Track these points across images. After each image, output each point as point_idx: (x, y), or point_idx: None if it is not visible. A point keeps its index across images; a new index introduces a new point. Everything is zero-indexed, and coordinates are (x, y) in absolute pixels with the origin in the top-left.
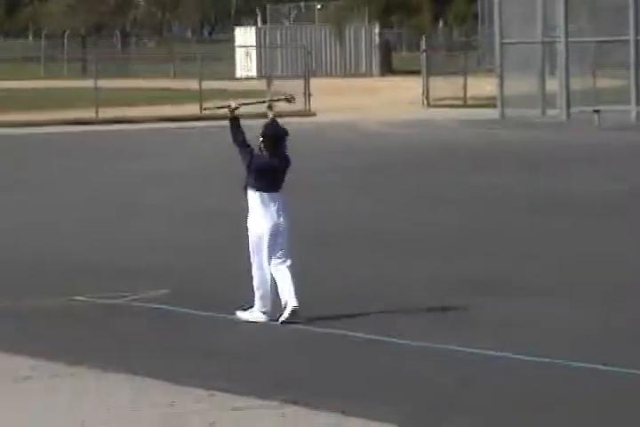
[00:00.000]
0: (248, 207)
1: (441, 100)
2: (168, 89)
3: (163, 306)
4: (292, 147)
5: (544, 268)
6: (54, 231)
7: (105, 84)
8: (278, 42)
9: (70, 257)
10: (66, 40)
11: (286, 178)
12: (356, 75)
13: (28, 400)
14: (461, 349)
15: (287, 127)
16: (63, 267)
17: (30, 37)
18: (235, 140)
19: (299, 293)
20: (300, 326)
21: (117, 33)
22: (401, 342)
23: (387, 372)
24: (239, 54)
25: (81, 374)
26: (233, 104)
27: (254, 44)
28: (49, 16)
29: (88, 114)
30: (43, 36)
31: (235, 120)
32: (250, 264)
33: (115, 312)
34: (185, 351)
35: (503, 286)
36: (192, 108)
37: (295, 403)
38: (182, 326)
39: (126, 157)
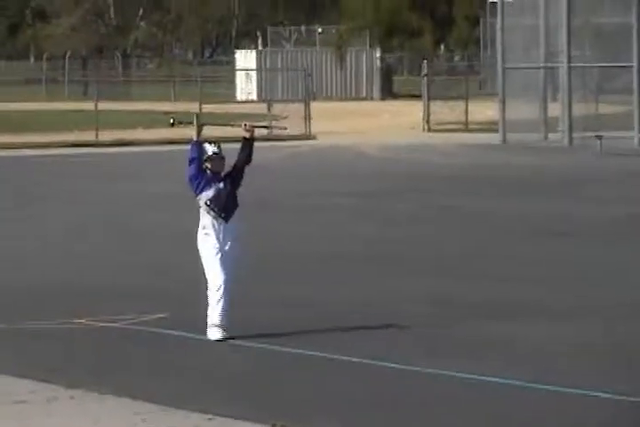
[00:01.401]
0: (239, 231)
1: (442, 124)
2: (168, 112)
3: (161, 330)
4: (292, 170)
5: (545, 290)
6: (53, 254)
7: (105, 106)
8: (279, 65)
9: (69, 279)
10: (67, 62)
11: (287, 201)
12: (357, 98)
13: (26, 424)
14: (464, 375)
15: (288, 150)
16: (62, 289)
17: (32, 59)
18: (250, 160)
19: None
20: (300, 351)
21: (118, 54)
22: (403, 367)
23: (389, 396)
24: (240, 77)
25: (79, 398)
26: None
27: (255, 66)
28: (50, 38)
29: (88, 136)
30: (44, 57)
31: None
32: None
33: (113, 336)
34: (183, 375)
35: (505, 308)
36: (192, 132)
37: None
38: (180, 349)
39: (125, 178)
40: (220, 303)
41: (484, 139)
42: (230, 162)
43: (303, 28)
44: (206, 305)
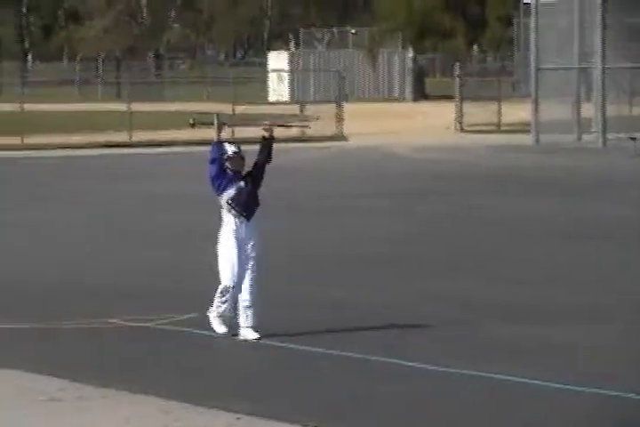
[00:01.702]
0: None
1: (474, 125)
2: (201, 113)
3: (191, 329)
4: (322, 171)
5: (575, 293)
6: (84, 253)
7: (138, 107)
8: (311, 66)
9: (101, 279)
10: (100, 63)
11: (314, 202)
12: (389, 100)
13: (58, 422)
14: (496, 376)
15: (320, 151)
16: (94, 289)
17: (65, 61)
18: (270, 159)
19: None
20: (328, 351)
21: (151, 56)
22: (431, 368)
23: (419, 396)
24: (272, 78)
25: (110, 397)
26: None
27: (287, 68)
28: (84, 39)
29: (121, 137)
30: (77, 59)
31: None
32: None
33: (144, 335)
34: (213, 374)
35: (530, 311)
36: (224, 132)
37: None
38: (210, 349)
39: (156, 179)
40: (233, 301)
41: (516, 140)
42: (250, 162)
43: (335, 29)
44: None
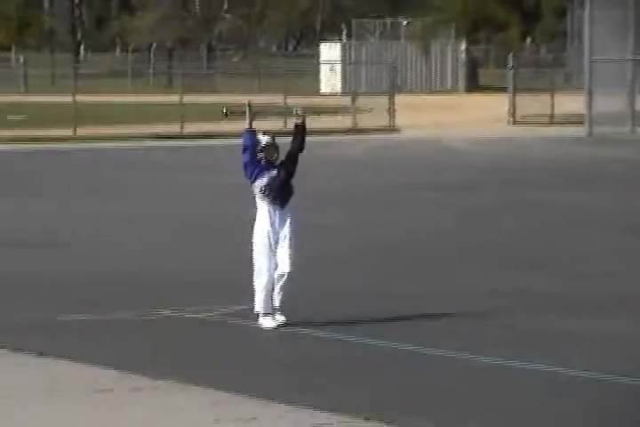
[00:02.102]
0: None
1: (528, 117)
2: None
3: (244, 321)
4: (375, 163)
5: (637, 286)
6: (139, 245)
7: (190, 98)
8: (363, 58)
9: (155, 271)
10: (152, 54)
11: (369, 194)
12: (442, 91)
13: (111, 413)
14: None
15: (372, 143)
16: (148, 280)
17: (117, 51)
18: (303, 147)
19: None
20: (390, 344)
21: (203, 47)
22: (492, 360)
23: (476, 390)
24: (324, 70)
25: (164, 388)
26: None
27: (339, 59)
28: (136, 30)
29: (173, 128)
30: (130, 50)
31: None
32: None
33: (199, 327)
34: (266, 366)
35: (581, 303)
36: (277, 124)
37: (381, 420)
38: (264, 340)
39: (210, 171)
40: (274, 289)
41: (569, 132)
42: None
43: (388, 20)
44: (288, 297)
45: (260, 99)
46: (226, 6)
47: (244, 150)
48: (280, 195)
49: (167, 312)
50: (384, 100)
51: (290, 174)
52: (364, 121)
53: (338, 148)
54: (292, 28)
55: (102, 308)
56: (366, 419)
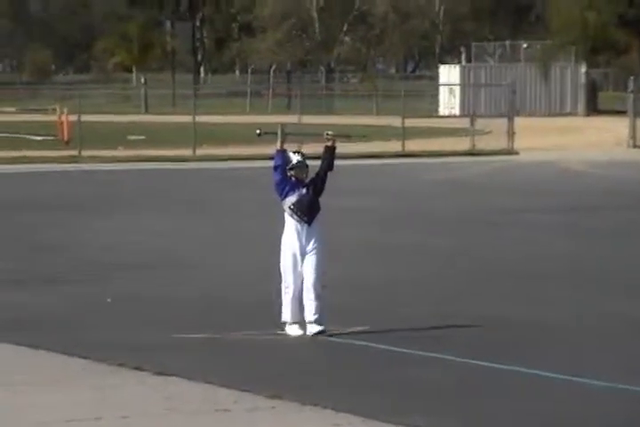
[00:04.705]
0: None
1: None
2: (370, 126)
3: (363, 342)
4: (493, 185)
5: None
6: (240, 262)
7: (308, 119)
8: (482, 80)
9: (267, 291)
10: (272, 75)
11: (485, 216)
12: (561, 114)
13: None
14: None
15: (490, 166)
16: (265, 303)
17: (237, 73)
18: (332, 167)
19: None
20: (491, 365)
21: (322, 69)
22: (585, 381)
23: (576, 414)
24: (443, 92)
25: (280, 408)
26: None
27: (458, 81)
28: (256, 52)
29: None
30: (249, 71)
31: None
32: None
33: (316, 348)
34: (384, 388)
35: None
36: (395, 146)
37: None
38: (381, 362)
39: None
40: (304, 301)
41: None
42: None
43: (508, 43)
44: (398, 317)
45: (376, 121)
46: (345, 28)
47: (275, 169)
48: (308, 212)
49: (281, 333)
50: (502, 122)
51: (318, 193)
52: (483, 143)
53: (457, 170)
54: (411, 50)
55: (217, 326)
56: None
